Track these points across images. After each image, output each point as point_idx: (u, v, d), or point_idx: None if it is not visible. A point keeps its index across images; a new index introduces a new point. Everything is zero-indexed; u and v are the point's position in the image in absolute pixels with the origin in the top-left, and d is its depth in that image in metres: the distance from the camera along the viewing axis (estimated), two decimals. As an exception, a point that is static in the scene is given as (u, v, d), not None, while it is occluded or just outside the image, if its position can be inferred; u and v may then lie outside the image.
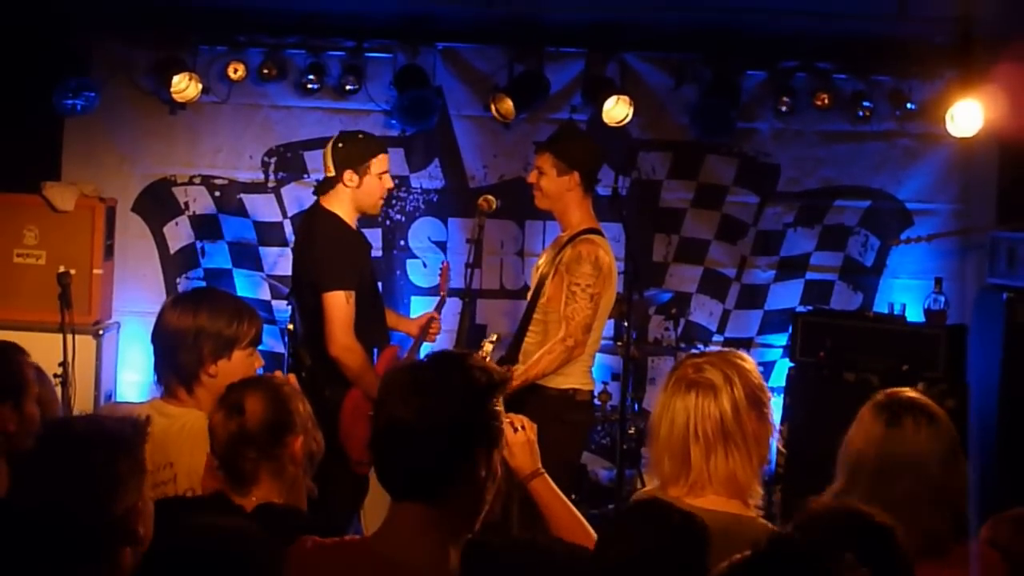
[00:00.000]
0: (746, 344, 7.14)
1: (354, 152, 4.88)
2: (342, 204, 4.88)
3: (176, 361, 3.33)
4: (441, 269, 5.87)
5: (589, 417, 5.35)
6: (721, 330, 7.19)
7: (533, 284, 5.16)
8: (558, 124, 6.86)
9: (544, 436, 4.45)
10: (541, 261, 5.21)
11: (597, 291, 4.85)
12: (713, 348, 6.86)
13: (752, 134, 7.10)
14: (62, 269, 6.22)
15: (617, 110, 6.71)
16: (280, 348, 6.57)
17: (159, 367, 3.42)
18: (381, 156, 4.94)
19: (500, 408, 2.31)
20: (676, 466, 2.81)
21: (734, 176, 7.13)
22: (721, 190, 7.13)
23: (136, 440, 2.31)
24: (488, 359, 4.76)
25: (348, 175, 4.84)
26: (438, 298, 5.76)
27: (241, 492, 2.93)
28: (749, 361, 2.93)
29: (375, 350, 5.05)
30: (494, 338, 4.94)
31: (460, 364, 2.30)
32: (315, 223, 4.98)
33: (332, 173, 4.89)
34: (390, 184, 5.02)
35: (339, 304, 4.71)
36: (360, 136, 5.04)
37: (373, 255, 6.93)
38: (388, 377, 2.31)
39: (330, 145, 4.94)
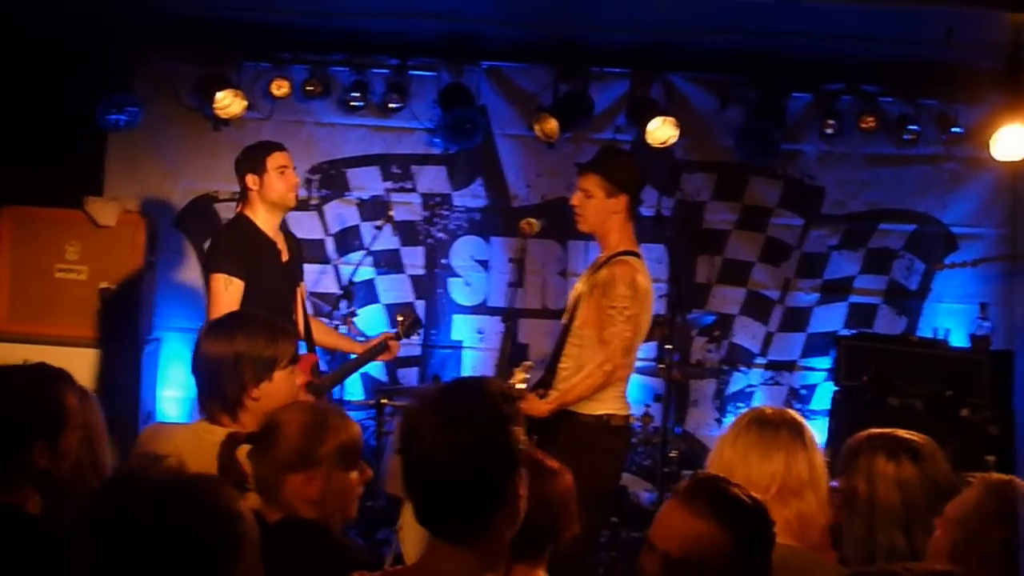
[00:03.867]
0: (789, 367, 7.12)
1: (248, 158, 5.03)
2: (254, 208, 4.98)
3: (219, 389, 3.27)
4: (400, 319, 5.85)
5: (625, 443, 5.18)
6: (764, 352, 7.14)
7: (569, 307, 5.05)
8: (602, 144, 6.85)
9: (580, 463, 4.39)
10: (579, 284, 5.10)
11: (634, 312, 4.74)
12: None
13: (797, 156, 7.07)
14: (103, 285, 6.22)
15: (661, 131, 6.69)
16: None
17: (201, 395, 3.35)
18: (275, 153, 5.01)
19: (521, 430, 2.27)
20: None
21: (778, 198, 7.10)
22: (765, 212, 7.10)
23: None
24: (524, 388, 4.71)
25: (250, 179, 4.97)
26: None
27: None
28: None
29: None
30: (528, 365, 4.86)
31: (486, 393, 2.24)
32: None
33: (239, 186, 5.03)
34: (294, 178, 5.05)
35: (218, 288, 4.78)
36: (255, 144, 5.15)
37: (415, 273, 7.00)
38: (411, 415, 2.24)
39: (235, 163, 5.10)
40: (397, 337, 5.55)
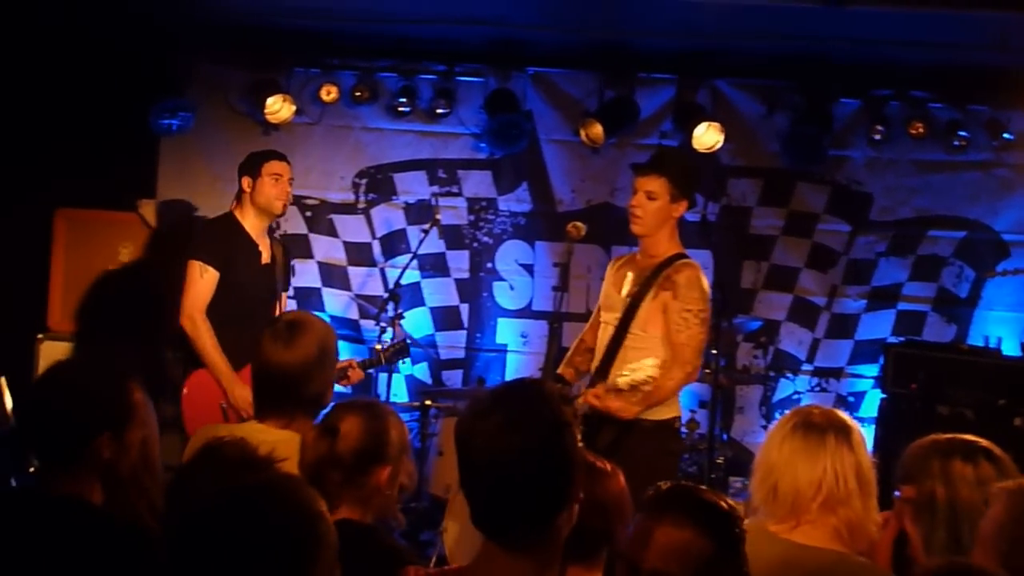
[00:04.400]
0: (836, 374, 7.06)
1: (248, 161, 5.40)
2: (244, 209, 5.34)
3: (308, 392, 3.29)
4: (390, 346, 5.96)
5: (684, 446, 5.23)
6: (810, 359, 7.09)
7: (614, 307, 4.82)
8: (647, 149, 6.86)
9: (652, 469, 4.36)
10: (623, 283, 4.86)
11: (707, 315, 4.70)
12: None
13: (844, 162, 7.02)
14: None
15: (708, 136, 6.68)
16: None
17: (278, 402, 3.31)
18: (272, 161, 5.36)
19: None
20: (795, 507, 2.78)
21: (825, 204, 7.05)
22: (812, 218, 7.05)
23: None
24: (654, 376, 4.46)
25: (245, 181, 5.35)
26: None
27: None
28: None
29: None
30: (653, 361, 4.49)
31: (543, 395, 2.23)
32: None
33: (237, 185, 5.39)
34: (286, 188, 5.36)
35: (193, 274, 5.14)
36: (260, 151, 5.52)
37: (460, 276, 7.04)
38: (468, 418, 2.23)
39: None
40: (368, 365, 5.59)
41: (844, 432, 2.82)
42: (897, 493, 2.84)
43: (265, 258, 5.32)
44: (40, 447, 2.82)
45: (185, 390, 5.13)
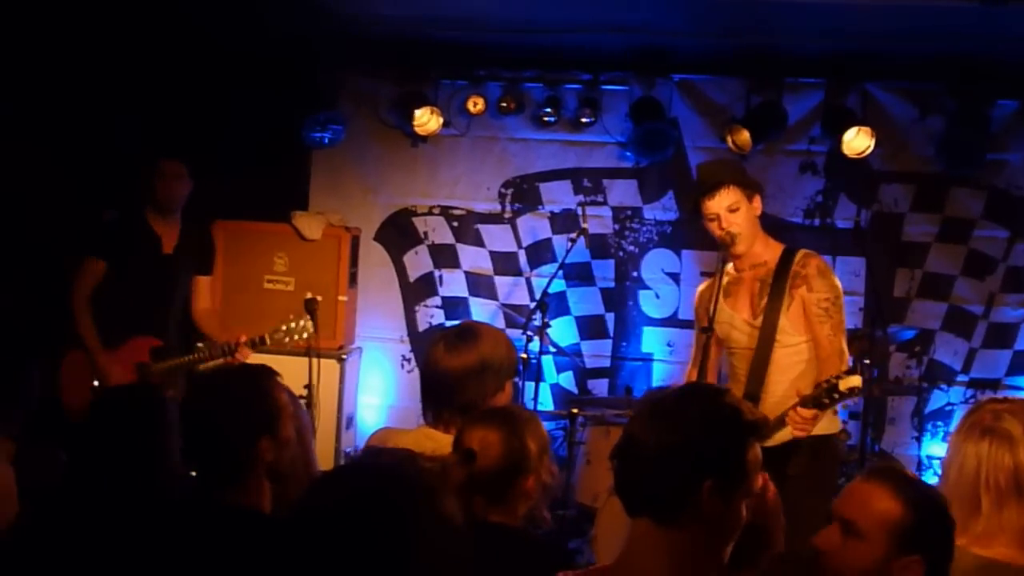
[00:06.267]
0: (993, 385, 6.82)
1: (148, 167, 5.82)
2: (149, 204, 5.80)
3: (462, 400, 3.34)
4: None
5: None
6: (966, 370, 6.87)
7: (755, 328, 4.49)
8: (797, 156, 6.80)
9: (830, 485, 4.33)
10: (739, 309, 4.55)
11: (842, 300, 4.49)
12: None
13: (1002, 166, 6.79)
14: (309, 295, 6.47)
15: (858, 141, 6.55)
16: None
17: (437, 406, 3.41)
18: (161, 161, 5.77)
19: (752, 455, 2.25)
20: (964, 514, 2.70)
21: (982, 210, 6.83)
22: (968, 224, 6.84)
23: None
24: None
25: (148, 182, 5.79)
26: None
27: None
28: None
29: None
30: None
31: (707, 396, 2.31)
32: None
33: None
34: (173, 184, 5.76)
35: (83, 266, 5.68)
36: (162, 151, 5.89)
37: (606, 285, 7.04)
38: (640, 400, 2.42)
39: None
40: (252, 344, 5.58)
41: (1005, 434, 2.72)
42: None
43: (167, 248, 5.81)
44: (203, 463, 2.93)
45: (62, 367, 5.63)
